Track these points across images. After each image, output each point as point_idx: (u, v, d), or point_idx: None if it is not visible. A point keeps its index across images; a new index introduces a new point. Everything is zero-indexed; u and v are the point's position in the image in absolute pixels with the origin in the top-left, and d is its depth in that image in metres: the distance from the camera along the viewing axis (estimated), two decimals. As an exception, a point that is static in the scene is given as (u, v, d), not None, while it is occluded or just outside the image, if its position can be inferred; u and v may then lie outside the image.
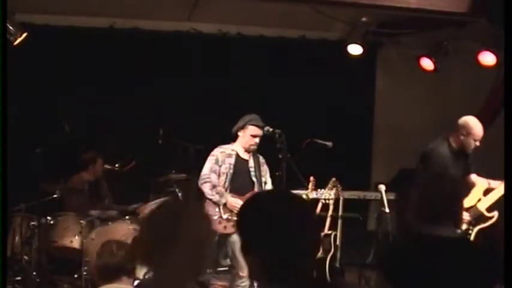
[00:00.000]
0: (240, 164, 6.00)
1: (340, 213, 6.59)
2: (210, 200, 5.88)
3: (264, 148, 6.13)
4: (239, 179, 5.98)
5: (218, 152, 6.00)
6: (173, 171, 6.86)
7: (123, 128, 7.62)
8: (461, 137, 6.06)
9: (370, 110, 8.75)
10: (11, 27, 6.12)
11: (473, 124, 6.06)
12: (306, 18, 7.59)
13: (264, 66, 8.05)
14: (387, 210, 5.70)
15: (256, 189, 6.00)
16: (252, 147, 6.00)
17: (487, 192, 6.05)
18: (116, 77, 7.65)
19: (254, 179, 6.01)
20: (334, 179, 6.30)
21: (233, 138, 6.05)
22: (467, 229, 5.55)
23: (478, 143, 6.04)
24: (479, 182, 6.08)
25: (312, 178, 6.15)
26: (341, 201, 6.55)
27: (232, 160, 5.97)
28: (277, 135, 5.77)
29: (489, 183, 6.02)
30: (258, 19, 7.84)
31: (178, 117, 7.66)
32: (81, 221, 6.40)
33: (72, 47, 7.40)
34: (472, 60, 6.86)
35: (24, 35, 6.28)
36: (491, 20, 6.21)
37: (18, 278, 6.23)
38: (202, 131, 7.40)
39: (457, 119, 7.82)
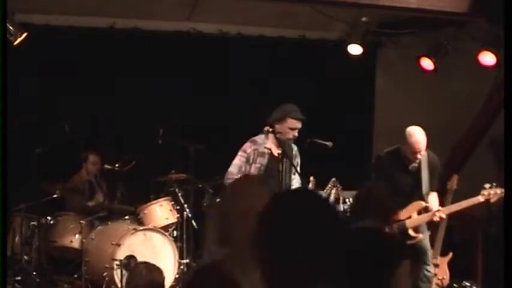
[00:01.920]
0: (271, 163, 5.61)
1: (339, 213, 6.58)
2: None
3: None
4: (268, 181, 5.54)
5: (251, 149, 5.60)
6: (173, 171, 6.87)
7: (123, 128, 7.62)
8: (406, 147, 5.94)
9: (370, 110, 8.74)
10: (11, 27, 6.12)
11: (411, 135, 5.85)
12: (306, 18, 7.58)
13: (264, 66, 8.04)
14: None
15: None
16: (289, 140, 5.68)
17: (422, 211, 5.98)
18: (116, 76, 7.64)
19: (282, 180, 5.68)
20: (334, 179, 6.28)
21: (270, 124, 5.63)
22: None
23: (418, 156, 5.86)
24: (420, 201, 5.93)
25: (312, 178, 6.14)
26: (341, 201, 6.54)
27: (265, 161, 5.62)
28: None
29: (434, 208, 5.86)
30: (258, 19, 7.83)
31: (178, 117, 7.66)
32: (81, 221, 6.41)
33: (72, 47, 7.40)
34: (472, 60, 6.85)
35: (24, 35, 6.28)
36: (491, 20, 6.20)
37: (18, 278, 6.24)
38: (202, 131, 7.40)
39: (456, 119, 7.86)
